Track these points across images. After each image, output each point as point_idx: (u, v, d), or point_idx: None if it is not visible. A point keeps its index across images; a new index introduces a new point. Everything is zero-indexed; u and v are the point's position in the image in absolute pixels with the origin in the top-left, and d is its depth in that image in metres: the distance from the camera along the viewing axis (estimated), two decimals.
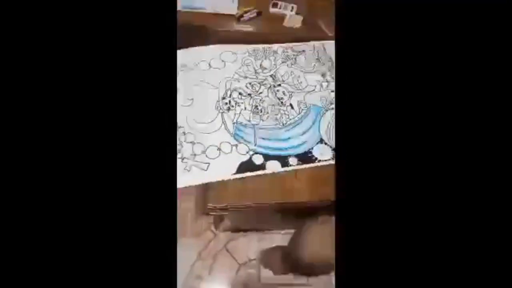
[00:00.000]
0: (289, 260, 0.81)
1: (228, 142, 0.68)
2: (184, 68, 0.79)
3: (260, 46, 0.89)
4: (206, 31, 0.98)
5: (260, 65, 0.84)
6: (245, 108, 0.74)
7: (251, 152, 0.68)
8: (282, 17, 1.02)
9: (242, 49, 0.86)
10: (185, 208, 1.02)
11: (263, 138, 0.70)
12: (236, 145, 0.68)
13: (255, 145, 0.69)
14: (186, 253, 0.92)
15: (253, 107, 0.75)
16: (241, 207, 0.63)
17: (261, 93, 0.78)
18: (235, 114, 0.73)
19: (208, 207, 0.62)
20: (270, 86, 0.80)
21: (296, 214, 0.68)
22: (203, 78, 0.78)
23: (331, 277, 0.89)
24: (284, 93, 0.79)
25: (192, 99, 0.74)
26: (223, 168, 0.64)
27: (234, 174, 0.64)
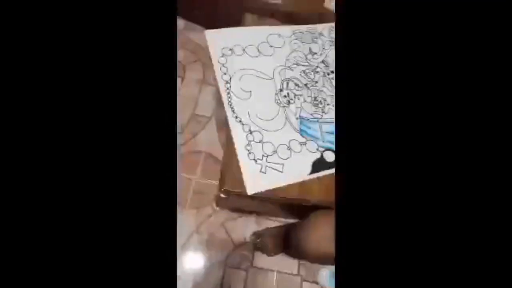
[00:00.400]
0: (284, 242, 0.82)
1: (296, 140, 0.65)
2: (230, 53, 0.72)
3: (303, 27, 0.82)
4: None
5: (309, 49, 0.78)
6: (304, 101, 0.71)
7: (321, 149, 0.65)
8: None
9: (287, 31, 0.80)
10: (188, 179, 0.99)
11: (328, 133, 0.68)
12: (305, 143, 0.65)
13: (323, 141, 0.67)
14: (185, 224, 0.90)
15: (313, 99, 0.71)
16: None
17: (317, 82, 0.74)
18: (296, 108, 0.69)
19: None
20: (324, 74, 0.76)
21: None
22: (255, 67, 0.71)
23: (324, 269, 0.93)
24: None
25: (250, 91, 0.68)
26: (297, 169, 0.62)
27: (310, 174, 0.62)
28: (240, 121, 0.64)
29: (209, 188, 0.99)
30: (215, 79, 0.69)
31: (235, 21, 0.79)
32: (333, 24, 0.85)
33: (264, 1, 0.89)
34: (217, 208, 0.97)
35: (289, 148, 0.64)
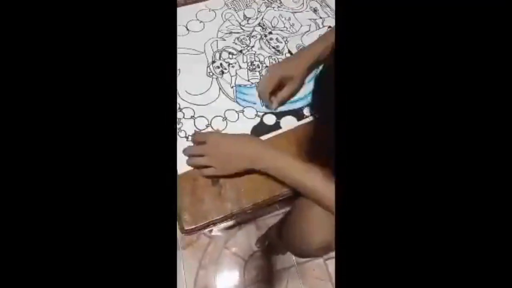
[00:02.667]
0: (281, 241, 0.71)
1: (232, 109, 0.60)
2: None
3: None
4: None
5: (244, 15, 0.73)
6: (240, 67, 0.65)
7: (260, 114, 0.60)
8: None
9: (218, 3, 0.75)
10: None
11: None
12: (242, 110, 0.60)
13: (262, 105, 0.61)
14: (186, 266, 0.82)
15: (249, 64, 0.66)
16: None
17: (252, 46, 0.69)
18: (231, 76, 0.64)
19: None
20: (261, 36, 0.70)
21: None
22: (184, 45, 0.68)
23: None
24: (278, 40, 0.70)
25: (179, 69, 0.64)
26: None
27: None
28: None
29: None
30: None
31: None
32: None
33: None
34: (212, 233, 0.90)
35: (224, 119, 0.59)
